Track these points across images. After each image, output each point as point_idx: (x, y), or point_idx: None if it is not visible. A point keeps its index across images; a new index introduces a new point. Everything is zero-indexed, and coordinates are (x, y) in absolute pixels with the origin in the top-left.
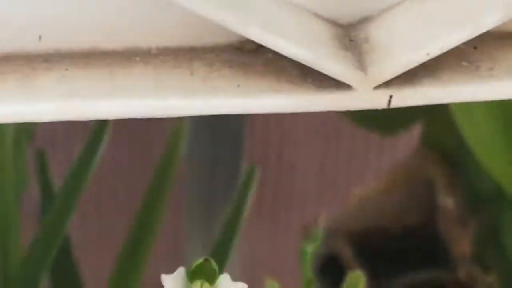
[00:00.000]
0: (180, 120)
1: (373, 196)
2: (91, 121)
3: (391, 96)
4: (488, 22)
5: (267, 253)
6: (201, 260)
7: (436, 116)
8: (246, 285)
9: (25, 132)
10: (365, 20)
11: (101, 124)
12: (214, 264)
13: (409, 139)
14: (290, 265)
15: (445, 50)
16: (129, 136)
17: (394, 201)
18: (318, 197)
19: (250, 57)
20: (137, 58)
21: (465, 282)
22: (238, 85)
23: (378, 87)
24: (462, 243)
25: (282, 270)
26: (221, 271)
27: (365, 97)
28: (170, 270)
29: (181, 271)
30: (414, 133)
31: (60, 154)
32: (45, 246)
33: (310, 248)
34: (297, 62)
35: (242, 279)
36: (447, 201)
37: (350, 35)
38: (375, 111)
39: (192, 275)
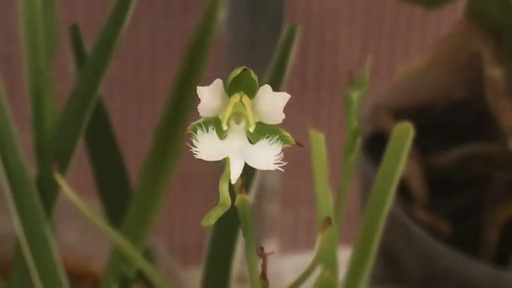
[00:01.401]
0: None
1: (418, 72)
2: None
3: None
4: None
5: (310, 123)
6: (239, 71)
7: None
8: (288, 95)
9: None
10: None
11: None
12: (253, 75)
13: (452, 13)
14: (332, 135)
15: None
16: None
17: (439, 76)
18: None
19: None
20: None
21: None
22: None
23: None
24: (510, 115)
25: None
26: None
27: None
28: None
29: (218, 82)
30: (458, 6)
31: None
32: (78, 107)
33: (356, 95)
34: None
35: None
36: (494, 73)
37: None
38: None
39: (230, 88)
